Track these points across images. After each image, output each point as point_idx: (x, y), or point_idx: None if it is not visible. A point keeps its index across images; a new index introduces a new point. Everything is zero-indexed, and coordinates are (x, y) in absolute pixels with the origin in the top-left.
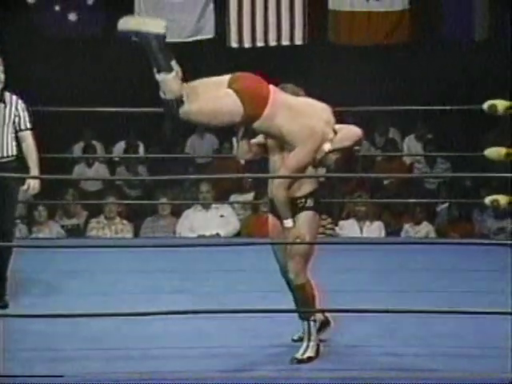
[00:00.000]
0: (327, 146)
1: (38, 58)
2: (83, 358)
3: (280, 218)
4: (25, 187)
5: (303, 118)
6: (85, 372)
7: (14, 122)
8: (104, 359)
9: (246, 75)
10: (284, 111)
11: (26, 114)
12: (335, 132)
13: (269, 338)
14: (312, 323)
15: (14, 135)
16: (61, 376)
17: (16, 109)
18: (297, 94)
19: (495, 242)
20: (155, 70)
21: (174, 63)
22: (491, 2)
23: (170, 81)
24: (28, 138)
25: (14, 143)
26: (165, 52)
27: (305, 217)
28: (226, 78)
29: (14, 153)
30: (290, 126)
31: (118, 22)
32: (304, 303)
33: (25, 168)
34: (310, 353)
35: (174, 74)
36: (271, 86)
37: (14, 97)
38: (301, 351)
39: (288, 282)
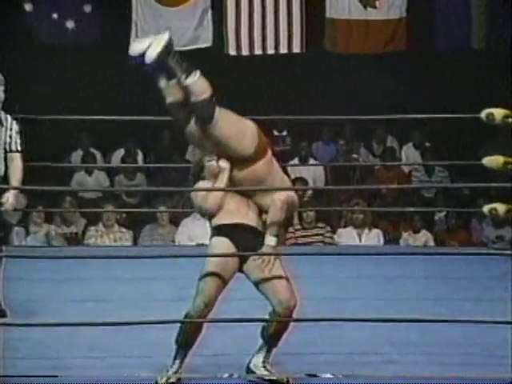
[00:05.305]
0: None
1: (35, 65)
2: (81, 365)
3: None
4: None
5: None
6: (82, 378)
7: (4, 143)
8: (101, 367)
9: None
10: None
11: (18, 136)
12: None
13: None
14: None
15: (3, 156)
16: (55, 376)
17: (10, 130)
18: None
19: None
20: (183, 77)
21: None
22: (489, 11)
23: (200, 80)
24: (16, 160)
25: (3, 163)
26: (181, 57)
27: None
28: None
29: (1, 173)
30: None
31: (129, 49)
32: (276, 334)
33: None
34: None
35: (199, 73)
36: None
37: (9, 118)
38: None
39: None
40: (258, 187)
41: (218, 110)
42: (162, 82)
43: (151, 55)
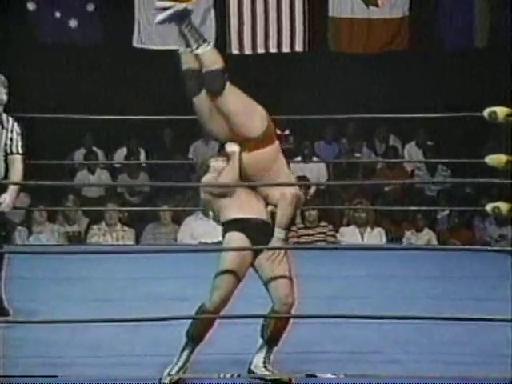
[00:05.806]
0: None
1: (37, 64)
2: (83, 364)
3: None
4: None
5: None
6: (84, 377)
7: (5, 144)
8: (104, 366)
9: None
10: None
11: (19, 138)
12: None
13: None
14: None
15: (3, 158)
16: (55, 376)
17: (11, 132)
18: None
19: (496, 249)
20: (195, 46)
21: None
22: (491, 10)
23: (211, 51)
24: (17, 162)
25: (3, 165)
26: (196, 29)
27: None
28: None
29: (2, 175)
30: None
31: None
32: (276, 333)
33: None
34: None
35: (212, 44)
36: None
37: (11, 120)
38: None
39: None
40: (263, 176)
41: (228, 84)
42: (181, 48)
43: (161, 16)
